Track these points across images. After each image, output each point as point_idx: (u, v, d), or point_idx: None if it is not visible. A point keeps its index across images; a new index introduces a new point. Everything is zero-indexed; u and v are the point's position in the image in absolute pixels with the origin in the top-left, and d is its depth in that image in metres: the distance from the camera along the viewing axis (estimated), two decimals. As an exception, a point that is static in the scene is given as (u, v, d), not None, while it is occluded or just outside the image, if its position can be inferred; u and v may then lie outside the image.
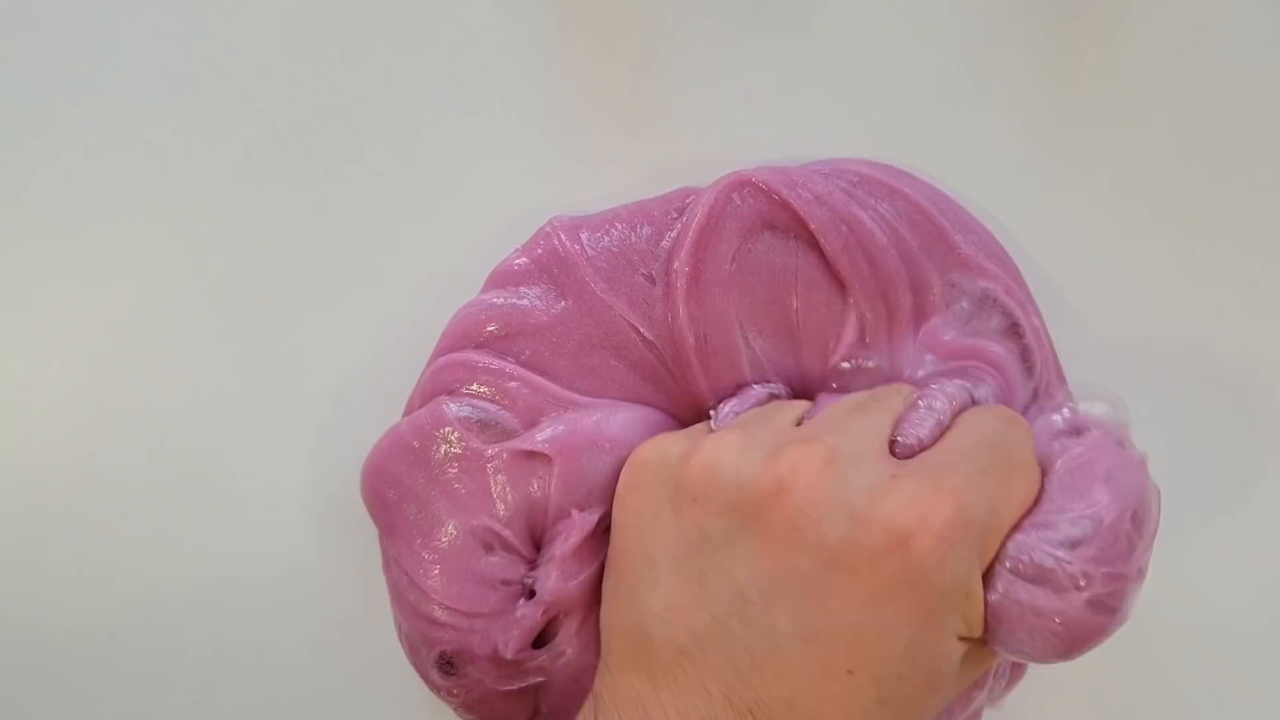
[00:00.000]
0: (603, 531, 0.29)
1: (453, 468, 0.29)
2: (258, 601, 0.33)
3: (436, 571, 0.28)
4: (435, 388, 0.30)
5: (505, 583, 0.29)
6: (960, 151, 0.33)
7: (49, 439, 0.34)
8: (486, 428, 0.29)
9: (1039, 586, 0.24)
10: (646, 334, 0.30)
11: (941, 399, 0.27)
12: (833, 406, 0.28)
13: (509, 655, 0.28)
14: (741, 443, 0.26)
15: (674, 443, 0.27)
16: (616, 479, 0.28)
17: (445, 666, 0.29)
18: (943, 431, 0.26)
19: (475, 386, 0.30)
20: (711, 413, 0.30)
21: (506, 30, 0.33)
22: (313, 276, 0.33)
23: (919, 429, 0.26)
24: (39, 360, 0.34)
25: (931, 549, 0.23)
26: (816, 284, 0.30)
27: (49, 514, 0.34)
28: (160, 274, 0.34)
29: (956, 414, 0.27)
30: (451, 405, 0.29)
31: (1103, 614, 0.24)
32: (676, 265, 0.29)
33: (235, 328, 0.33)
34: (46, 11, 0.34)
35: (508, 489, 0.29)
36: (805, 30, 0.33)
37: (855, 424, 0.26)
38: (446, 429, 0.29)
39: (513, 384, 0.29)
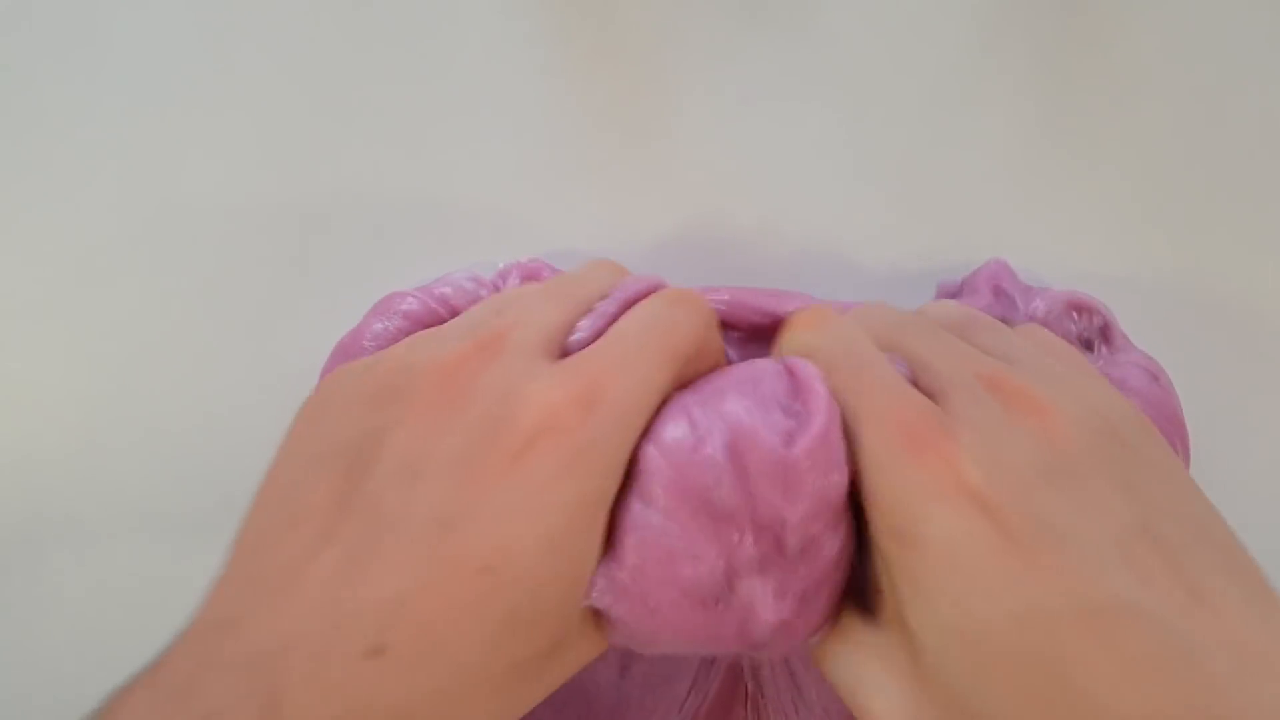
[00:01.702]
0: None
1: None
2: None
3: None
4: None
5: None
6: (960, 151, 0.33)
7: (49, 438, 0.34)
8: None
9: None
10: None
11: (612, 301, 0.26)
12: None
13: None
14: (422, 337, 0.25)
15: (363, 361, 0.26)
16: None
17: None
18: (608, 325, 0.25)
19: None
20: None
21: (506, 31, 0.33)
22: (312, 276, 0.33)
23: (589, 324, 0.25)
24: (39, 360, 0.34)
25: (577, 424, 0.21)
26: None
27: (49, 512, 0.34)
28: (160, 274, 0.34)
29: (629, 305, 0.26)
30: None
31: None
32: None
33: (235, 326, 0.33)
34: (45, 11, 0.34)
35: None
36: (805, 32, 0.33)
37: (533, 311, 0.25)
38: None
39: None
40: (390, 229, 0.33)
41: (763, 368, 0.25)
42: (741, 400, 0.23)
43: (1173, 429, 0.30)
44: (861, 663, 0.23)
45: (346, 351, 0.30)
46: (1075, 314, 0.31)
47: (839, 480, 0.22)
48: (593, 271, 0.28)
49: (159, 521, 0.34)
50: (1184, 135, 0.33)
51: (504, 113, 0.33)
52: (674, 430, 0.23)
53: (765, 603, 0.22)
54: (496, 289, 0.32)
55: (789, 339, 0.27)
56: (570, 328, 0.25)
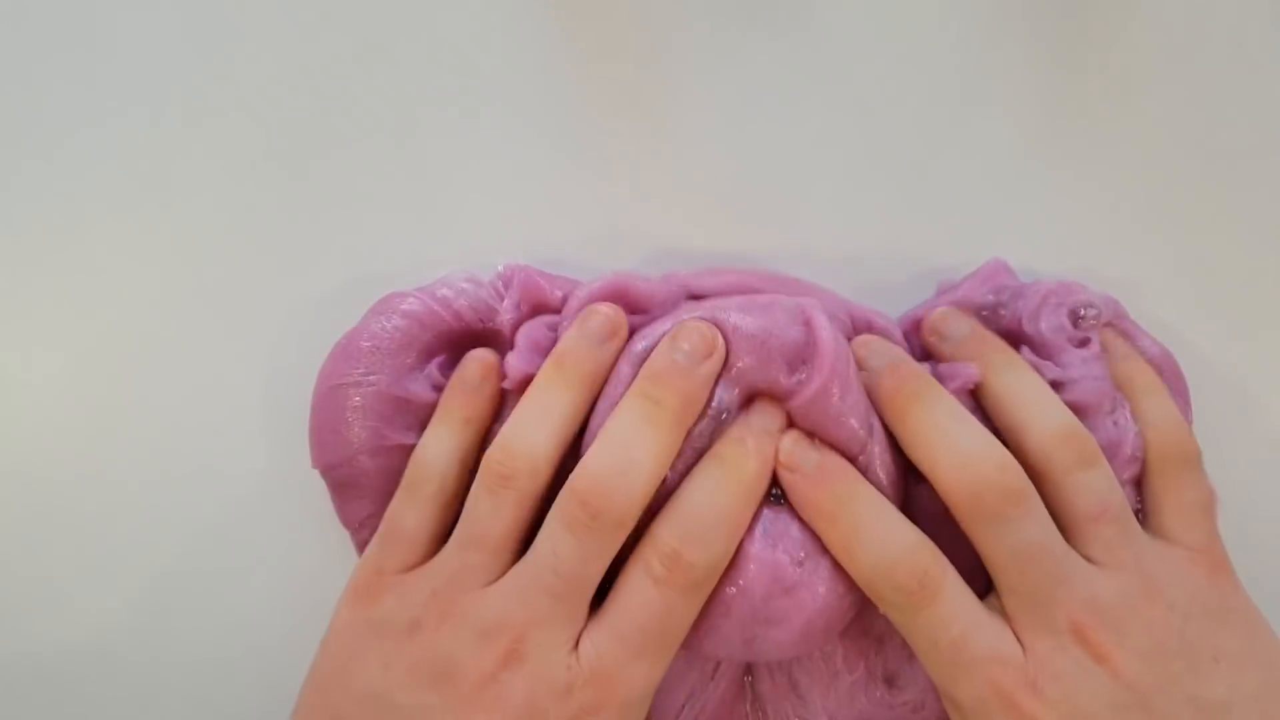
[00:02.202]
0: None
1: None
2: (259, 599, 0.33)
3: None
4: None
5: None
6: (960, 151, 0.33)
7: (48, 437, 0.34)
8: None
9: None
10: None
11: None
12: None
13: None
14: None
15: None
16: None
17: None
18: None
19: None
20: None
21: (506, 32, 0.33)
22: (312, 276, 0.33)
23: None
24: (38, 359, 0.34)
25: None
26: None
27: (49, 511, 0.34)
28: (159, 272, 0.34)
29: None
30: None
31: None
32: None
33: (237, 326, 0.33)
34: (45, 11, 0.34)
35: None
36: (805, 31, 0.33)
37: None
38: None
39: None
40: (389, 229, 0.33)
41: None
42: None
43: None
44: None
45: (346, 350, 0.30)
46: (1071, 322, 0.32)
47: None
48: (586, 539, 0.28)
49: (159, 522, 0.34)
50: (1184, 133, 0.33)
51: (503, 112, 0.33)
52: None
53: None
54: (496, 291, 0.32)
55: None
56: (581, 617, 0.27)
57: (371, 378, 0.30)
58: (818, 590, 0.27)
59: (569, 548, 0.27)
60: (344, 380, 0.30)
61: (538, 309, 0.31)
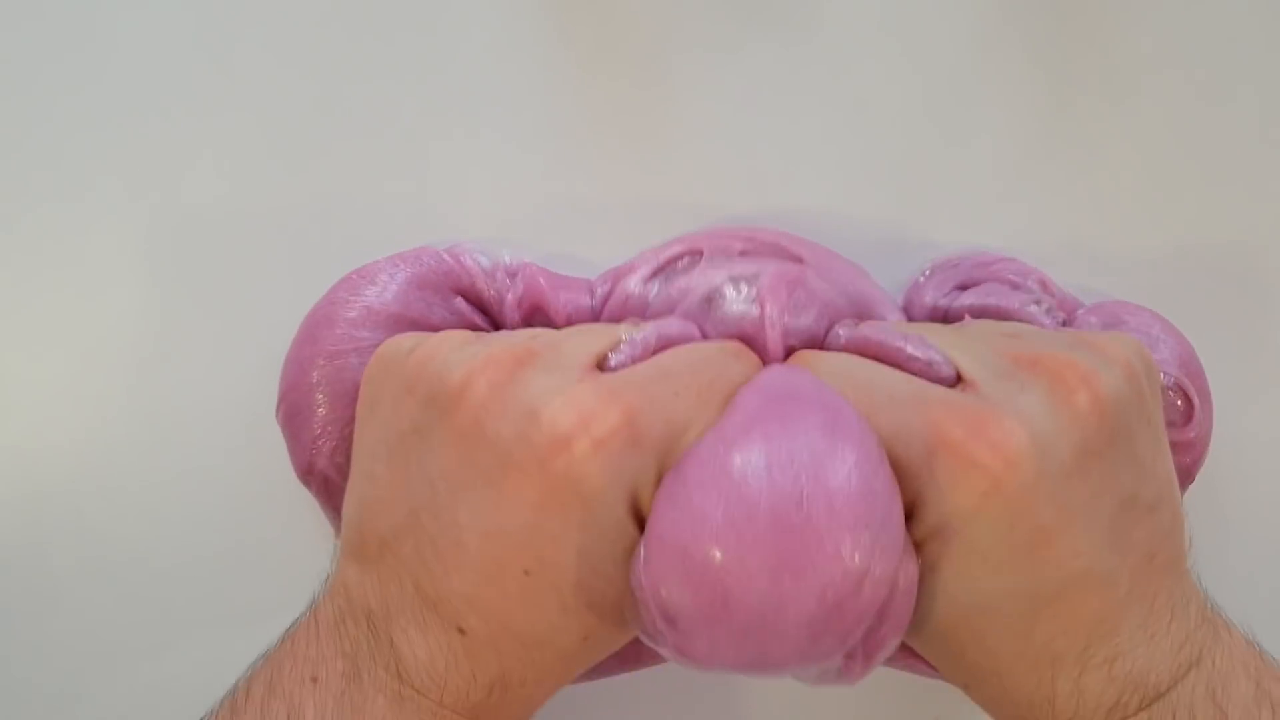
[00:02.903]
0: None
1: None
2: (260, 600, 0.33)
3: None
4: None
5: None
6: (960, 150, 0.33)
7: (49, 437, 0.34)
8: None
9: None
10: None
11: (651, 329, 0.27)
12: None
13: None
14: (463, 340, 0.26)
15: (413, 337, 0.27)
16: None
17: None
18: (652, 354, 0.26)
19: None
20: None
21: (506, 31, 0.33)
22: (313, 276, 0.33)
23: (628, 350, 0.26)
24: (38, 359, 0.34)
25: (589, 454, 0.22)
26: None
27: (49, 510, 0.34)
28: (159, 272, 0.34)
29: (668, 344, 0.27)
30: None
31: None
32: None
33: (238, 325, 0.33)
34: (44, 11, 0.34)
35: None
36: (804, 30, 0.33)
37: (571, 338, 0.26)
38: None
39: None
40: (391, 229, 0.33)
41: None
42: None
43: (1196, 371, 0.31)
44: None
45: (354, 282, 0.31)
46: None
47: None
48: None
49: (159, 521, 0.34)
50: (1183, 130, 0.33)
51: (503, 111, 0.33)
52: None
53: None
54: (507, 275, 0.32)
55: None
56: (604, 356, 0.26)
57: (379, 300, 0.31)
58: None
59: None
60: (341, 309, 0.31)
61: (536, 309, 0.31)
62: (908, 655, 0.30)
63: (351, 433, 0.29)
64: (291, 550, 0.33)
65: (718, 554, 0.22)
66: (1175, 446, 0.29)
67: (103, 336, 0.34)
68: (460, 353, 0.25)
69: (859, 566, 0.22)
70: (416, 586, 0.24)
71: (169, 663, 0.33)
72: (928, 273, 0.33)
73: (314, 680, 0.24)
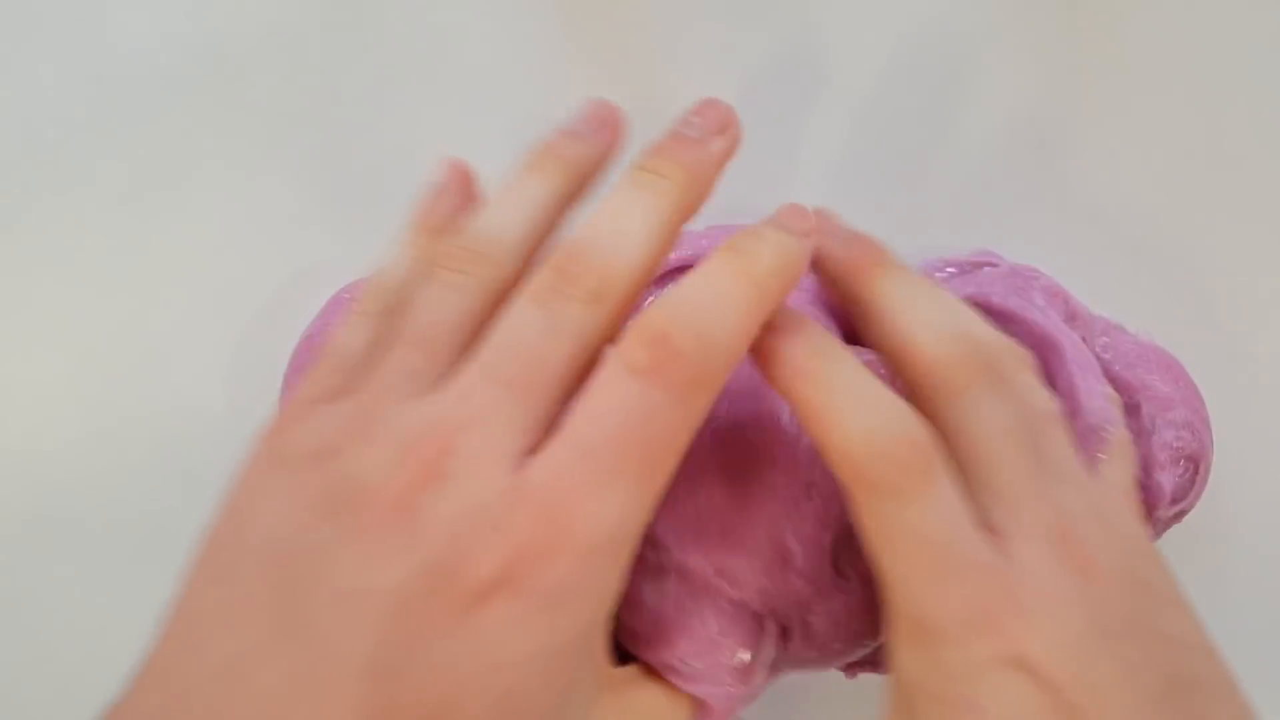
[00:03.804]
0: None
1: None
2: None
3: None
4: None
5: None
6: (959, 149, 0.33)
7: (49, 437, 0.34)
8: None
9: None
10: None
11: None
12: None
13: None
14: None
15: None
16: None
17: None
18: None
19: None
20: None
21: (506, 31, 0.34)
22: (314, 275, 0.33)
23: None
24: (38, 359, 0.34)
25: (534, 580, 0.19)
26: None
27: (49, 510, 0.34)
28: (160, 272, 0.34)
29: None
30: None
31: None
32: None
33: (238, 326, 0.33)
34: (46, 9, 0.34)
35: None
36: (807, 30, 0.33)
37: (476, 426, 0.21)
38: None
39: None
40: (392, 229, 0.33)
41: None
42: None
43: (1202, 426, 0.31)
44: None
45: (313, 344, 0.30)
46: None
47: None
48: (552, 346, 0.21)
49: (161, 521, 0.34)
50: (1184, 132, 0.33)
51: (504, 110, 0.33)
52: None
53: None
54: None
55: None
56: (539, 423, 0.20)
57: None
58: None
59: (532, 320, 0.20)
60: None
61: None
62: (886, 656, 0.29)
63: None
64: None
65: None
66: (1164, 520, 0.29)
67: (103, 336, 0.34)
68: (364, 453, 0.20)
69: None
70: None
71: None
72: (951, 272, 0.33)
73: None
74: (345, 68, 0.33)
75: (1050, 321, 0.30)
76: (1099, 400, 0.27)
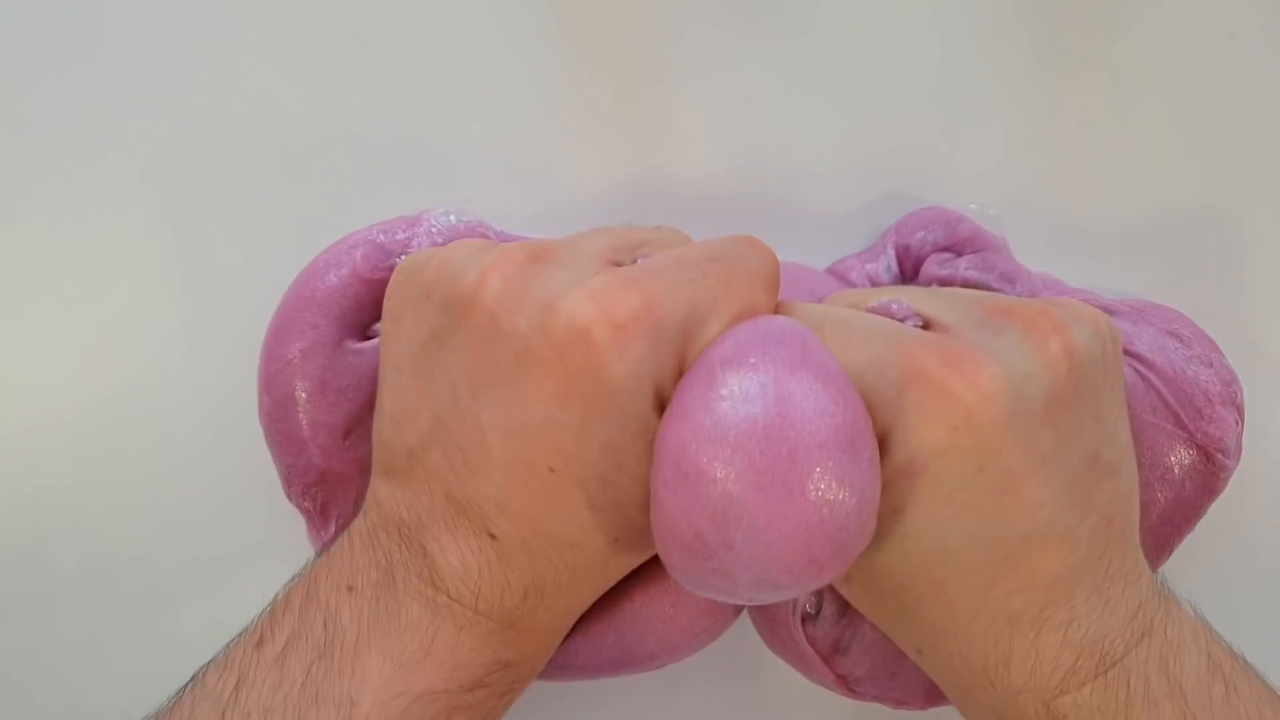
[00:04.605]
0: None
1: None
2: (261, 597, 0.33)
3: None
4: None
5: None
6: (960, 152, 0.33)
7: (49, 435, 0.34)
8: None
9: None
10: None
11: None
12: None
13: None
14: (479, 246, 0.25)
15: (431, 250, 0.26)
16: None
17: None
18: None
19: None
20: None
21: (505, 31, 0.33)
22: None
23: (652, 250, 0.26)
24: (38, 359, 0.34)
25: (609, 341, 0.22)
26: None
27: (49, 510, 0.34)
28: (160, 272, 0.34)
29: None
30: None
31: None
32: None
33: (238, 323, 0.33)
34: (45, 12, 0.34)
35: None
36: (805, 31, 0.33)
37: (589, 237, 0.26)
38: None
39: None
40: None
41: None
42: None
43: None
44: None
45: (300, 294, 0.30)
46: None
47: None
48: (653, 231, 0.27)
49: (161, 521, 0.34)
50: (1184, 133, 0.33)
51: (502, 109, 0.33)
52: None
53: None
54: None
55: None
56: (623, 258, 0.25)
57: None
58: None
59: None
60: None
61: None
62: (900, 689, 0.30)
63: (334, 420, 0.29)
64: (294, 548, 0.33)
65: (705, 463, 0.21)
66: (1215, 483, 0.29)
67: (103, 336, 0.34)
68: (475, 256, 0.24)
69: (825, 493, 0.21)
70: (446, 494, 0.24)
71: (169, 661, 0.33)
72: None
73: (349, 589, 0.24)
74: (345, 67, 0.33)
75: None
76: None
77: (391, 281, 0.27)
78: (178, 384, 0.33)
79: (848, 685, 0.30)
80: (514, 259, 0.23)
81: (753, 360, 0.22)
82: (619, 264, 0.25)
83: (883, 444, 0.23)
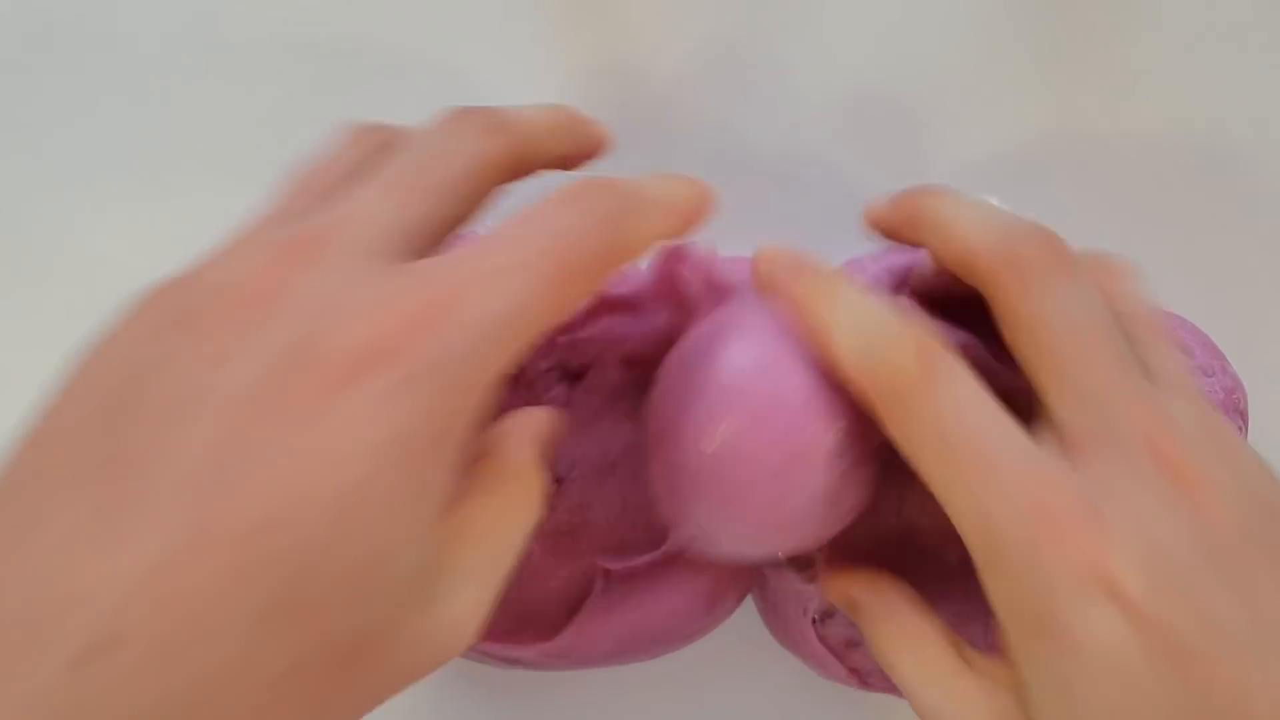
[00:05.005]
0: None
1: None
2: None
3: None
4: None
5: None
6: (960, 148, 0.33)
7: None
8: None
9: None
10: None
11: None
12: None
13: None
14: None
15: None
16: None
17: None
18: None
19: None
20: None
21: (505, 31, 0.33)
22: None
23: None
24: (38, 359, 0.34)
25: (402, 354, 0.16)
26: None
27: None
28: (159, 272, 0.34)
29: None
30: None
31: None
32: None
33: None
34: (45, 9, 0.34)
35: None
36: (806, 30, 0.33)
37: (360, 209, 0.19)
38: None
39: None
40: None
41: None
42: None
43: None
44: (958, 697, 0.21)
45: None
46: None
47: None
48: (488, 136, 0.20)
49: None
50: (1185, 133, 0.33)
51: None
52: None
53: None
54: None
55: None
56: (437, 225, 0.19)
57: None
58: None
59: (429, 139, 0.20)
60: None
61: None
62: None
63: None
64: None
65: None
66: None
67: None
68: (223, 259, 0.18)
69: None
70: (49, 589, 0.15)
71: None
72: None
73: None
74: (344, 67, 0.33)
75: None
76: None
77: (113, 316, 0.19)
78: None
79: (861, 678, 0.30)
80: (267, 257, 0.18)
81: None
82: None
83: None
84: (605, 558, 0.27)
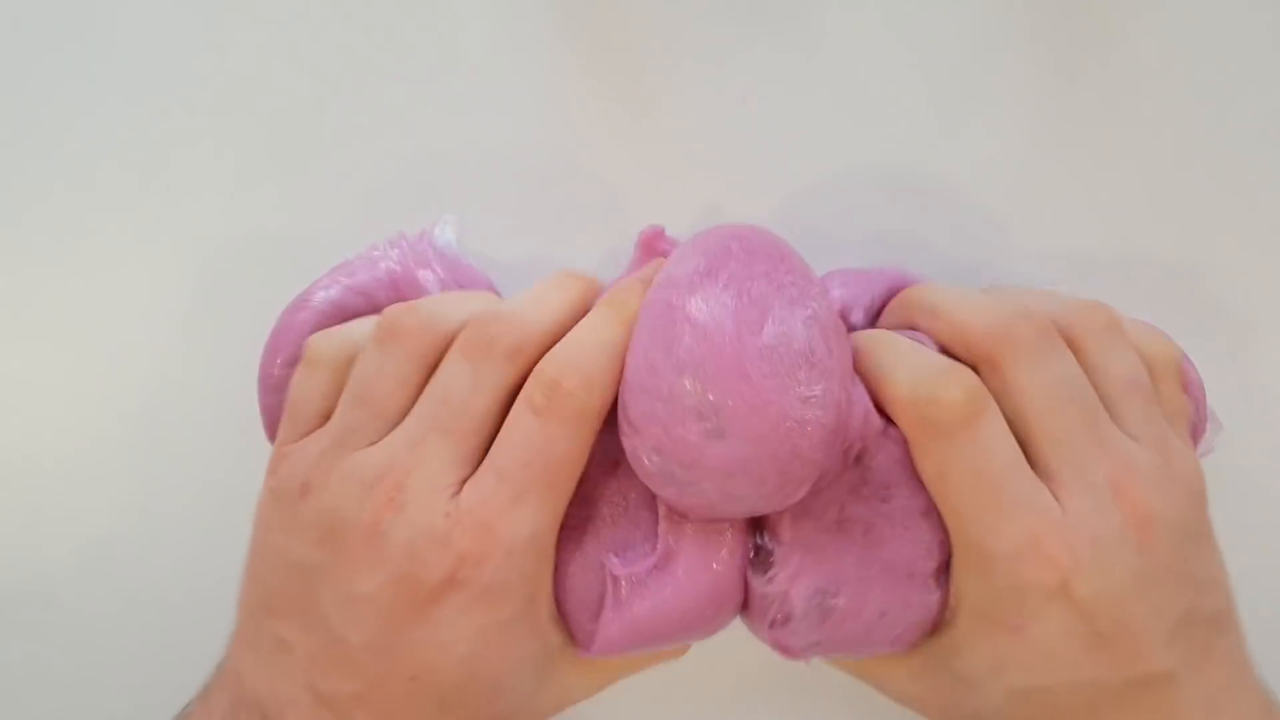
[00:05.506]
0: None
1: None
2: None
3: None
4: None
5: None
6: (961, 152, 0.33)
7: (48, 438, 0.34)
8: None
9: None
10: None
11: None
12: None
13: None
14: (366, 482, 0.26)
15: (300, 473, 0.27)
16: None
17: None
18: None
19: None
20: None
21: (505, 32, 0.34)
22: (312, 275, 0.33)
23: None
24: (38, 359, 0.34)
25: (472, 577, 0.25)
26: None
27: (49, 511, 0.34)
28: (160, 272, 0.34)
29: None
30: None
31: None
32: None
33: (236, 325, 0.33)
34: (45, 9, 0.34)
35: None
36: (806, 30, 0.33)
37: (423, 466, 0.26)
38: None
39: None
40: (389, 228, 0.33)
41: None
42: None
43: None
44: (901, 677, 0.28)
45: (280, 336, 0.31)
46: None
47: None
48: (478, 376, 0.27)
49: (160, 522, 0.34)
50: (1185, 134, 0.33)
51: (502, 111, 0.33)
52: None
53: None
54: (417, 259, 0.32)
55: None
56: (471, 456, 0.26)
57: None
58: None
59: (458, 373, 0.26)
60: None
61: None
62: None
63: None
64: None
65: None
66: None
67: (103, 337, 0.34)
68: (340, 488, 0.26)
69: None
70: (309, 685, 0.25)
71: (168, 663, 0.33)
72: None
73: None
74: (344, 67, 0.34)
75: None
76: None
77: (267, 498, 0.28)
78: (178, 387, 0.34)
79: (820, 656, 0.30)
80: (374, 509, 0.25)
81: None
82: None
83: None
84: (614, 562, 0.28)
